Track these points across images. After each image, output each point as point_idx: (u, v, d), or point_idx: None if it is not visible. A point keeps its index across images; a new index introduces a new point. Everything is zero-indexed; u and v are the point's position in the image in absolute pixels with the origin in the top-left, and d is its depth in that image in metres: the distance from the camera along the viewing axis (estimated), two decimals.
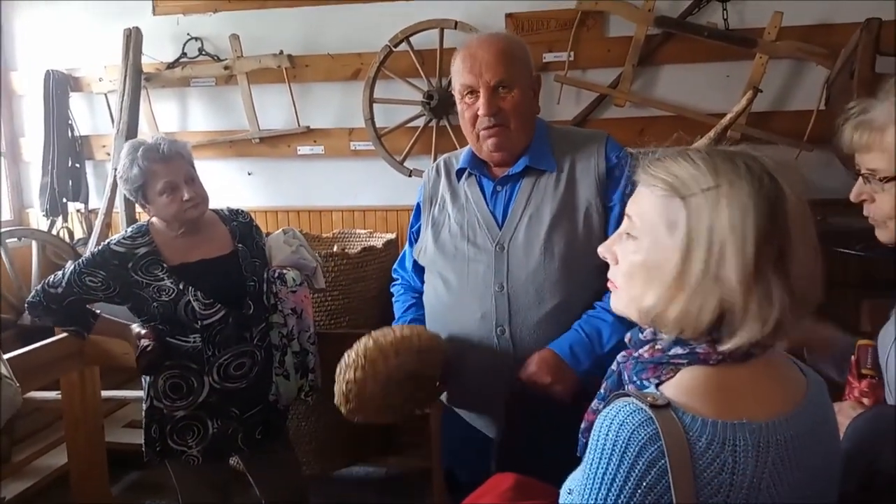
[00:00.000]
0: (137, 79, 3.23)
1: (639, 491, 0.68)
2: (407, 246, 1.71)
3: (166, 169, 1.77)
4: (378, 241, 2.98)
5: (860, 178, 1.03)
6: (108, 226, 3.28)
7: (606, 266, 0.87)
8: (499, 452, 1.40)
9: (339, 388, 1.36)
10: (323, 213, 3.41)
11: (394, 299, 1.74)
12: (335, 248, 2.96)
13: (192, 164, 1.86)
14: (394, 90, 3.15)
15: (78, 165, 3.49)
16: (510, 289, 1.44)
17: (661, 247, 0.76)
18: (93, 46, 3.45)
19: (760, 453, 0.71)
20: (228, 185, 3.39)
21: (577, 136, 1.56)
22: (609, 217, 1.45)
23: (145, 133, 3.30)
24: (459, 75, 1.47)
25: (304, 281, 2.00)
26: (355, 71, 3.23)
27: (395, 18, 3.06)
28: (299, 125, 3.28)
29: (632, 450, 0.69)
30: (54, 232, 3.42)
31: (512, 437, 1.38)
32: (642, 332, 0.85)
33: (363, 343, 1.39)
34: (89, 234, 3.41)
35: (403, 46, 3.06)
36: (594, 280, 1.40)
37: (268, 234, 2.08)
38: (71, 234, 3.50)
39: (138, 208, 1.91)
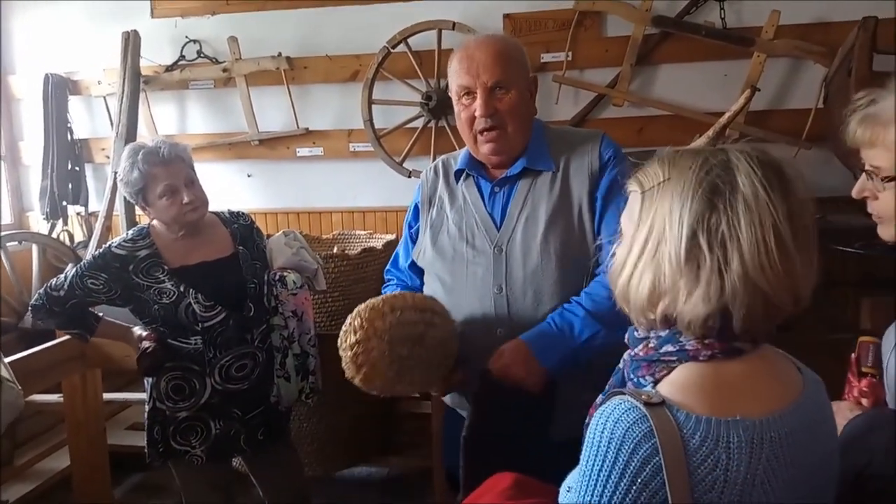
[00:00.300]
0: (136, 81, 3.23)
1: (634, 487, 0.70)
2: (402, 245, 1.70)
3: (166, 172, 1.78)
4: (378, 241, 2.99)
5: (864, 174, 0.99)
6: (108, 229, 3.29)
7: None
8: (466, 445, 1.37)
9: (346, 357, 1.33)
10: (322, 215, 3.42)
11: None
12: (335, 250, 2.96)
13: (192, 166, 1.87)
14: (392, 91, 3.15)
15: (77, 168, 3.50)
16: (509, 290, 1.44)
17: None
18: (91, 49, 3.46)
19: (754, 450, 0.72)
20: (228, 188, 3.40)
21: (574, 135, 1.56)
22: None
23: (144, 136, 3.30)
24: (456, 76, 1.47)
25: (306, 283, 2.01)
26: (354, 72, 3.24)
27: (393, 20, 3.07)
28: (298, 127, 3.28)
29: (627, 447, 0.71)
30: (55, 235, 3.42)
31: (479, 430, 1.36)
32: (637, 331, 0.87)
33: (356, 309, 1.37)
34: (89, 237, 3.42)
35: (402, 47, 3.06)
36: (591, 278, 1.41)
37: (268, 237, 2.09)
38: (71, 237, 3.51)
39: (138, 211, 1.92)
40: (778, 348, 0.85)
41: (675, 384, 0.77)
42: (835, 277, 2.46)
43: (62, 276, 1.83)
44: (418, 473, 2.76)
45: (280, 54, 3.21)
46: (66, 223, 3.49)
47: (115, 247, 1.82)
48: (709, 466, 0.70)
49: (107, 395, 2.58)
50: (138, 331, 1.88)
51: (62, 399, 2.43)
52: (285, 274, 1.95)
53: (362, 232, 3.22)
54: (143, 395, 1.92)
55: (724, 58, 2.87)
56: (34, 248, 3.15)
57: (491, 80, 1.43)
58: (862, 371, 1.11)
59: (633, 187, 0.85)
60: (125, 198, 2.01)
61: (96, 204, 3.50)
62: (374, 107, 3.15)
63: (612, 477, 0.71)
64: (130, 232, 1.88)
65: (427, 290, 1.60)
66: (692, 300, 0.76)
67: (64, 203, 3.45)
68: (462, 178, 1.57)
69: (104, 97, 3.49)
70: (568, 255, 1.43)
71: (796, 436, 0.76)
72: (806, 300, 0.78)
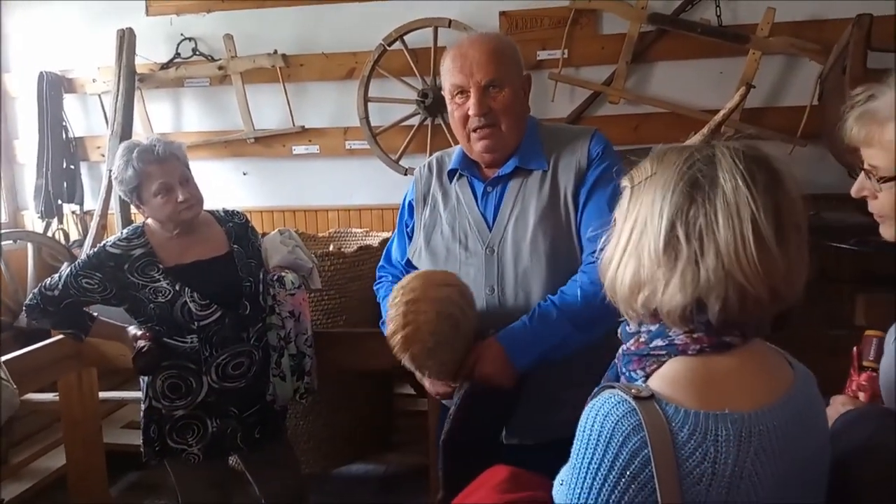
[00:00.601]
0: (131, 80, 3.22)
1: (623, 480, 0.71)
2: (396, 241, 1.70)
3: (161, 170, 1.77)
4: (374, 239, 2.99)
5: (862, 173, 0.97)
6: (103, 227, 3.28)
7: None
8: (445, 448, 1.35)
9: (394, 312, 1.31)
10: (319, 213, 3.42)
11: (380, 297, 1.65)
12: (331, 248, 2.96)
13: (187, 164, 1.86)
14: (388, 89, 3.15)
15: (73, 167, 3.49)
16: (500, 291, 1.44)
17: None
18: (86, 47, 3.45)
19: (742, 443, 0.72)
20: (224, 186, 3.40)
21: (566, 133, 1.55)
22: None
23: (140, 134, 3.29)
24: (450, 75, 1.46)
25: (302, 282, 2.01)
26: (350, 70, 3.23)
27: (389, 17, 3.07)
28: (294, 125, 3.28)
29: (616, 440, 0.72)
30: (50, 234, 3.42)
31: (457, 431, 1.34)
32: (629, 326, 0.88)
33: (413, 273, 1.37)
34: (85, 235, 3.41)
35: (398, 45, 3.06)
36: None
37: (263, 235, 2.08)
38: (66, 235, 3.50)
39: (134, 209, 1.91)
40: (771, 344, 0.86)
41: (664, 378, 0.78)
42: (830, 274, 2.47)
43: (56, 275, 1.83)
44: (415, 471, 2.77)
45: (276, 52, 3.20)
46: (61, 222, 3.48)
47: (110, 246, 1.81)
48: (697, 459, 0.71)
49: (103, 394, 2.58)
50: (133, 330, 1.88)
51: (58, 398, 2.43)
52: (283, 274, 1.95)
53: (358, 230, 3.22)
54: (139, 394, 1.92)
55: (720, 55, 2.88)
56: (29, 246, 3.15)
57: (484, 78, 1.42)
58: (862, 365, 1.09)
59: (625, 182, 0.87)
60: (120, 196, 2.00)
61: (91, 202, 3.49)
62: (370, 104, 3.15)
63: (602, 470, 0.72)
64: (125, 231, 1.87)
65: None
66: (669, 290, 0.77)
67: (59, 202, 3.44)
68: (455, 177, 1.56)
69: (99, 95, 3.48)
70: (557, 254, 1.42)
71: (786, 429, 0.76)
72: (791, 296, 0.79)
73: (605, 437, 0.72)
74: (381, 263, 1.74)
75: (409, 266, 1.64)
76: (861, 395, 1.08)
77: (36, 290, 1.84)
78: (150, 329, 1.83)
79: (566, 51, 2.99)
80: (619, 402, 0.74)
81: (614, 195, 1.35)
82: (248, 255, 1.92)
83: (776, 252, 0.75)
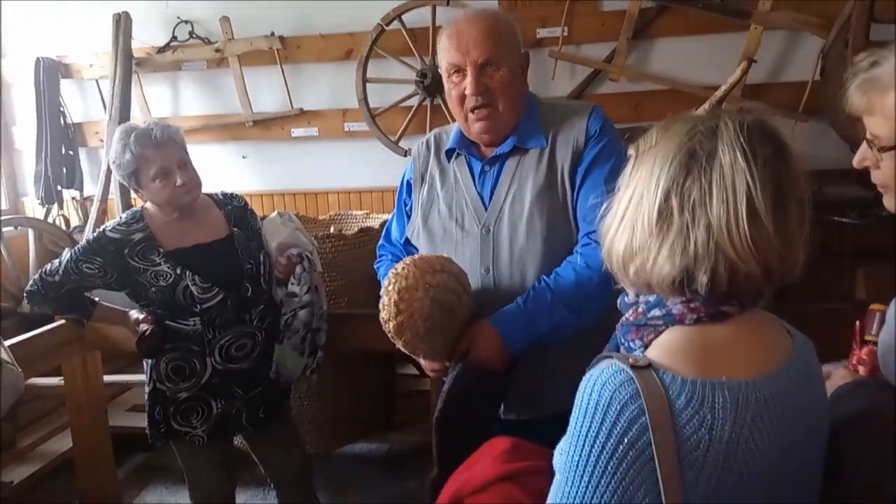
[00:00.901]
0: (128, 64, 3.20)
1: (621, 447, 0.71)
2: (395, 219, 1.69)
3: (159, 154, 1.77)
4: (374, 221, 2.99)
5: (864, 143, 0.95)
6: (103, 212, 3.29)
7: None
8: (439, 425, 1.37)
9: (388, 299, 1.30)
10: (319, 196, 3.41)
11: (381, 276, 1.63)
12: (332, 230, 2.96)
13: (185, 148, 1.86)
14: (387, 69, 3.13)
15: (72, 153, 3.49)
16: (496, 271, 1.44)
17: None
18: (82, 32, 3.42)
19: (739, 410, 0.73)
20: (223, 169, 3.39)
21: (565, 109, 1.52)
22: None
23: (138, 118, 3.28)
24: (446, 53, 1.44)
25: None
26: (348, 51, 3.21)
27: None
28: (292, 107, 3.26)
29: (613, 408, 0.72)
30: (50, 220, 3.42)
31: (450, 409, 1.35)
32: (627, 296, 0.88)
33: (409, 258, 1.35)
34: (85, 221, 3.42)
35: (396, 25, 3.03)
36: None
37: (263, 218, 2.08)
38: (67, 221, 3.51)
39: (133, 194, 1.91)
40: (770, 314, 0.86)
41: (662, 347, 0.79)
42: (831, 247, 2.47)
43: (56, 261, 1.83)
44: (417, 450, 2.79)
45: (273, 34, 3.18)
46: (61, 207, 3.48)
47: (110, 230, 1.81)
48: (694, 426, 0.72)
49: (107, 378, 2.60)
50: (135, 314, 1.89)
51: (63, 382, 2.45)
52: (307, 253, 1.95)
53: (359, 212, 3.22)
54: (144, 377, 1.93)
55: (721, 31, 2.84)
56: (30, 233, 3.15)
57: (481, 56, 1.39)
58: (865, 339, 1.09)
59: (630, 151, 0.87)
60: (119, 181, 2.00)
61: (91, 188, 3.49)
62: (368, 85, 3.12)
63: (600, 437, 0.72)
64: (124, 215, 1.87)
65: None
66: (658, 261, 0.77)
67: (59, 187, 3.44)
68: (453, 156, 1.55)
69: (96, 80, 3.46)
70: (554, 234, 1.41)
71: (784, 397, 0.77)
72: (787, 273, 0.79)
73: (603, 405, 0.73)
74: (380, 242, 1.74)
75: (408, 245, 1.64)
76: (861, 370, 1.08)
77: (36, 276, 1.85)
78: (153, 313, 1.84)
79: (566, 28, 2.96)
80: (616, 371, 0.74)
81: (611, 173, 1.35)
82: (248, 237, 1.92)
83: (771, 229, 0.74)
